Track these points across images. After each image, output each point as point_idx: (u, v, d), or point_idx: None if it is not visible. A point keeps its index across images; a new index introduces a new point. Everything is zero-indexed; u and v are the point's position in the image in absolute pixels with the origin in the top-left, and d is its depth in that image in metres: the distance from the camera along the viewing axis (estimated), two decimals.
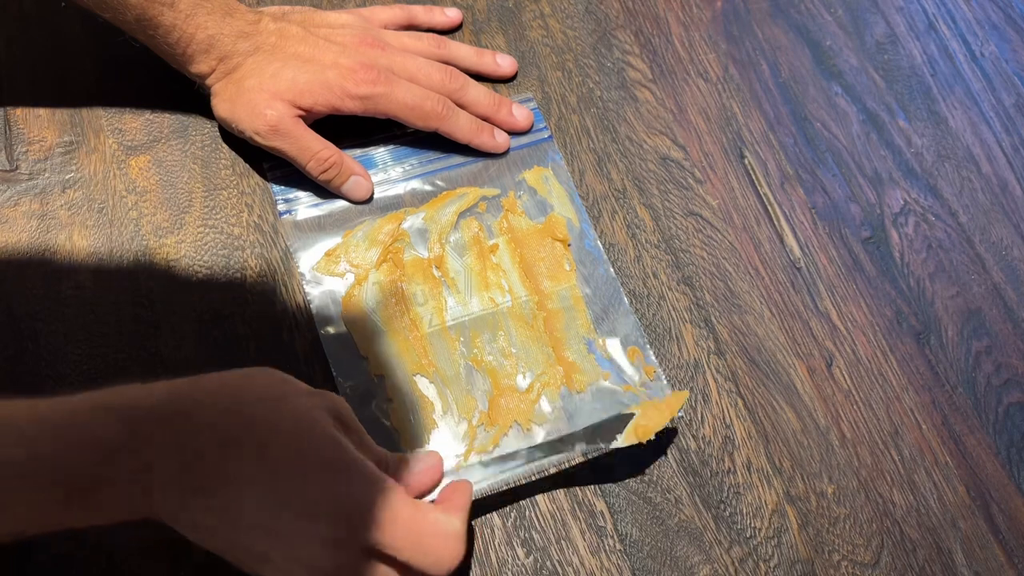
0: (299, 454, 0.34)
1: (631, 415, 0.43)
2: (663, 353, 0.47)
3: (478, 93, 0.50)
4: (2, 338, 0.44)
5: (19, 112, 0.49)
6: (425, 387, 0.45)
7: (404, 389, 0.44)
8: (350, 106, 0.47)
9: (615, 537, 0.43)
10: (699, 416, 0.46)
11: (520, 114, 0.51)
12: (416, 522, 0.35)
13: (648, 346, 0.47)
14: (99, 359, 0.44)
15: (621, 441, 0.42)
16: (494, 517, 0.43)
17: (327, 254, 0.47)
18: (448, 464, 0.43)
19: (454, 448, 0.43)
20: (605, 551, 0.43)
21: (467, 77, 0.51)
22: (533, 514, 0.43)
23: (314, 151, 0.46)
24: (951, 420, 0.48)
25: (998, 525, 0.46)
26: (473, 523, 0.42)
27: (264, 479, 0.33)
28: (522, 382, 0.45)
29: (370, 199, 0.49)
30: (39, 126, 0.49)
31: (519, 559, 0.42)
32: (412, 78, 0.48)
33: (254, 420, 0.34)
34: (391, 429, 0.43)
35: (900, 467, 0.47)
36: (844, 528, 0.45)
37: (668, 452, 0.45)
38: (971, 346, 0.50)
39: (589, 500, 0.44)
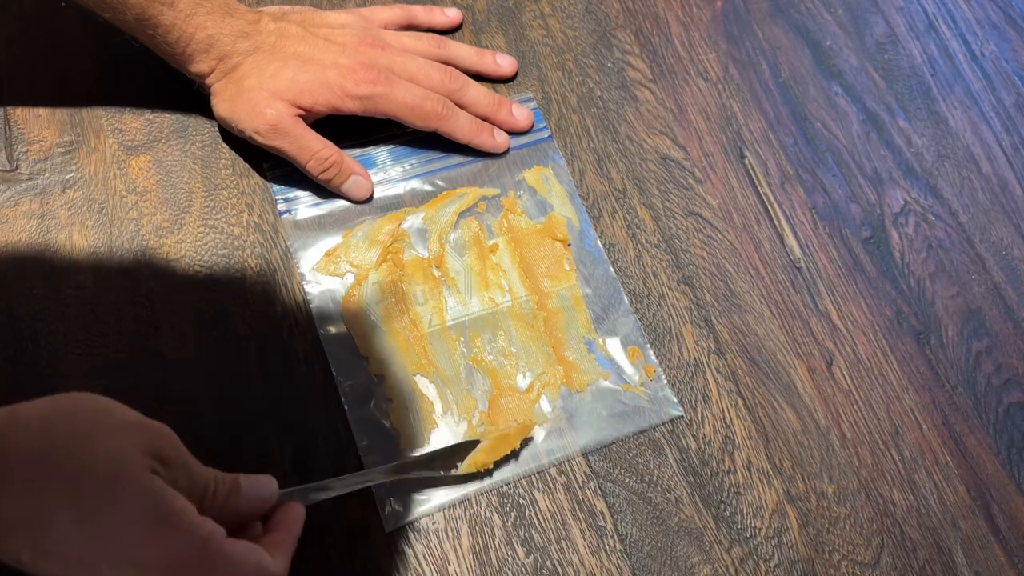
0: (113, 503, 0.31)
1: (477, 442, 0.43)
2: (663, 353, 0.47)
3: (478, 93, 0.50)
4: (2, 338, 0.44)
5: (19, 112, 0.49)
6: (425, 387, 0.45)
7: (404, 389, 0.44)
8: (350, 106, 0.47)
9: (615, 537, 0.43)
10: (699, 416, 0.46)
11: (520, 114, 0.51)
12: (237, 571, 0.33)
13: (648, 346, 0.47)
14: (99, 359, 0.44)
15: (460, 469, 0.42)
16: (494, 517, 0.43)
17: (327, 254, 0.47)
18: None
19: None
20: (605, 551, 0.43)
21: (467, 77, 0.51)
22: (533, 514, 0.43)
23: (314, 150, 0.46)
24: (951, 420, 0.48)
25: (998, 525, 0.46)
26: (473, 523, 0.43)
27: (76, 527, 0.31)
28: (522, 382, 0.45)
29: (370, 199, 0.49)
30: (39, 126, 0.49)
31: (519, 559, 0.42)
32: (412, 78, 0.48)
33: (61, 464, 0.31)
34: (391, 429, 0.43)
35: (900, 467, 0.47)
36: (844, 528, 0.45)
37: (668, 452, 0.45)
38: (971, 346, 0.50)
39: (589, 500, 0.44)
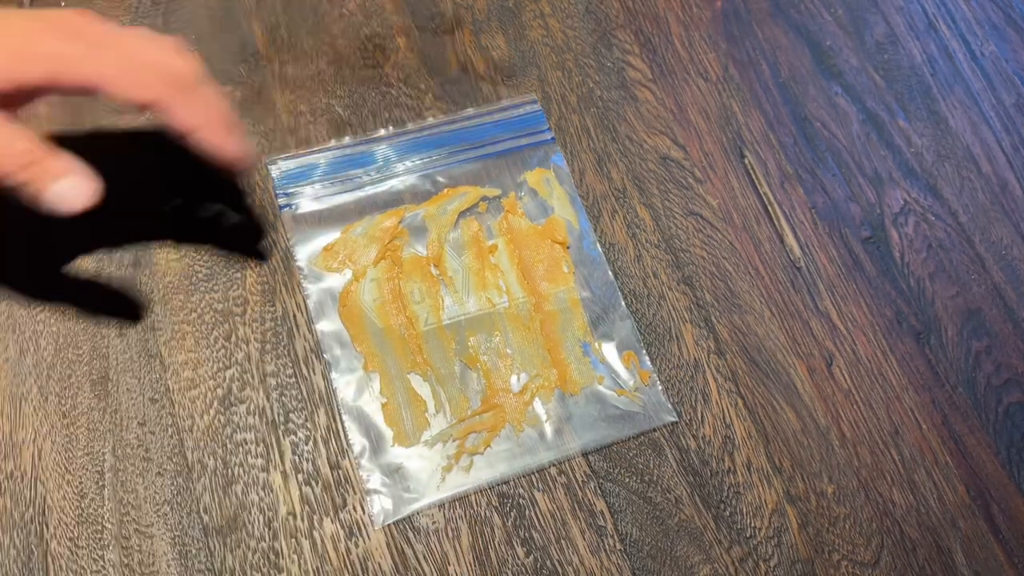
0: None
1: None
2: (663, 353, 0.47)
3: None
4: (2, 338, 0.44)
5: (18, 112, 0.49)
6: (419, 385, 0.45)
7: (397, 387, 0.44)
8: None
9: (615, 537, 0.43)
10: (699, 416, 0.46)
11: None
12: None
13: (644, 351, 0.47)
14: (99, 360, 0.44)
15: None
16: (494, 516, 0.43)
17: (325, 249, 0.47)
18: (438, 462, 0.43)
19: (445, 449, 0.43)
20: (605, 551, 0.43)
21: None
22: (533, 514, 0.43)
23: None
24: (951, 420, 0.48)
25: (998, 525, 0.46)
26: (473, 523, 0.43)
27: None
28: (516, 383, 0.45)
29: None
30: (39, 126, 0.49)
31: (519, 558, 0.42)
32: None
33: None
34: (383, 427, 0.43)
35: (900, 467, 0.47)
36: (844, 528, 0.45)
37: (668, 452, 0.45)
38: (971, 346, 0.50)
39: (589, 500, 0.44)
